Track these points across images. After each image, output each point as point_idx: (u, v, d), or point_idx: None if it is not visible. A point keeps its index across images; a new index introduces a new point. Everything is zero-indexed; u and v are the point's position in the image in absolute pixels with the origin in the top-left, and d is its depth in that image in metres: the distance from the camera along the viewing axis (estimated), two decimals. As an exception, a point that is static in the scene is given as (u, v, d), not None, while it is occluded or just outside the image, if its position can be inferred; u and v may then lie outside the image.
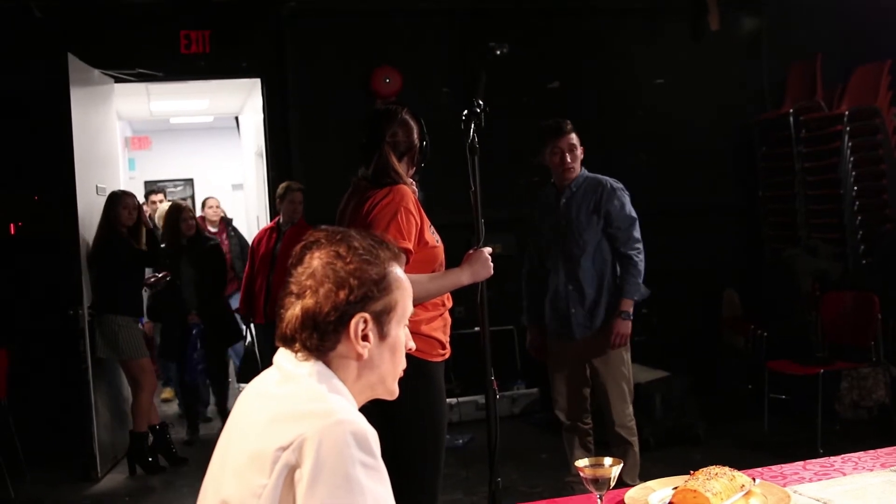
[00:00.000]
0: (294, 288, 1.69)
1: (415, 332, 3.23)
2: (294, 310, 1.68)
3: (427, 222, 3.42)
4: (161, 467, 6.26)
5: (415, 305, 3.22)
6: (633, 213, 4.72)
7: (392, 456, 3.24)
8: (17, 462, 6.07)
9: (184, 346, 6.89)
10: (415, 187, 3.54)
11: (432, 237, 3.43)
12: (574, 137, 4.68)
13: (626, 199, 4.71)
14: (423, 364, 3.29)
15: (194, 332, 6.90)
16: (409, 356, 3.32)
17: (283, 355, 1.73)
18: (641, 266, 4.70)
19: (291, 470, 1.52)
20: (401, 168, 3.45)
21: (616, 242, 4.69)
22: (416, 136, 3.48)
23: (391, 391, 1.79)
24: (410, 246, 3.26)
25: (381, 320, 1.71)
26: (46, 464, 6.31)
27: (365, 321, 1.68)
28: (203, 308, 6.91)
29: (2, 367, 5.95)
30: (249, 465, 1.56)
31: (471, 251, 3.38)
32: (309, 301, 1.67)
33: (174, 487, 5.96)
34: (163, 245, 6.90)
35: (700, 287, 7.65)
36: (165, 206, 7.67)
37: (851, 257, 7.07)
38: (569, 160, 4.66)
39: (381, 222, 3.26)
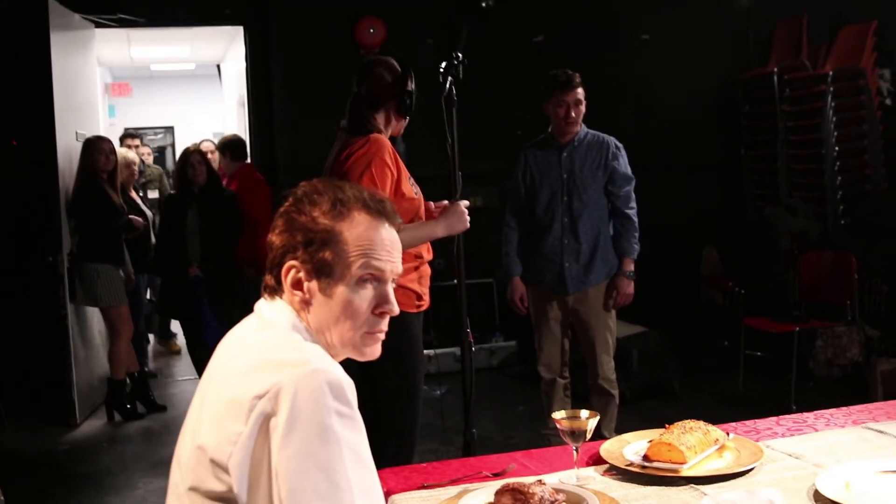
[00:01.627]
0: (271, 228, 1.76)
1: None
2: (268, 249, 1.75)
3: (406, 174, 3.43)
4: (139, 414, 6.28)
5: None
6: (631, 173, 4.77)
7: (370, 406, 3.28)
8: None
9: (190, 303, 6.27)
10: (399, 140, 3.54)
11: (411, 189, 3.43)
12: (581, 92, 4.67)
13: (626, 159, 4.77)
14: (398, 315, 3.31)
15: (196, 287, 6.24)
16: None
17: (262, 301, 1.76)
18: (637, 224, 4.76)
19: (267, 418, 1.53)
20: (379, 118, 3.46)
21: (617, 201, 4.74)
22: (396, 86, 3.47)
23: (357, 350, 1.76)
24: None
25: (319, 271, 1.69)
26: (25, 410, 6.30)
27: (294, 268, 1.70)
28: (206, 262, 6.21)
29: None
30: (226, 412, 1.57)
31: (447, 203, 3.39)
32: (269, 241, 1.74)
33: (152, 433, 5.99)
34: (173, 192, 6.61)
35: (680, 243, 7.68)
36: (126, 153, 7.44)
37: (831, 217, 7.11)
38: (573, 115, 4.66)
39: (355, 172, 3.27)
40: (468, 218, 3.38)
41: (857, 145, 7.15)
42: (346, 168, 3.30)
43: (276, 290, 1.73)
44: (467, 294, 3.37)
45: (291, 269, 1.70)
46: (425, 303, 3.48)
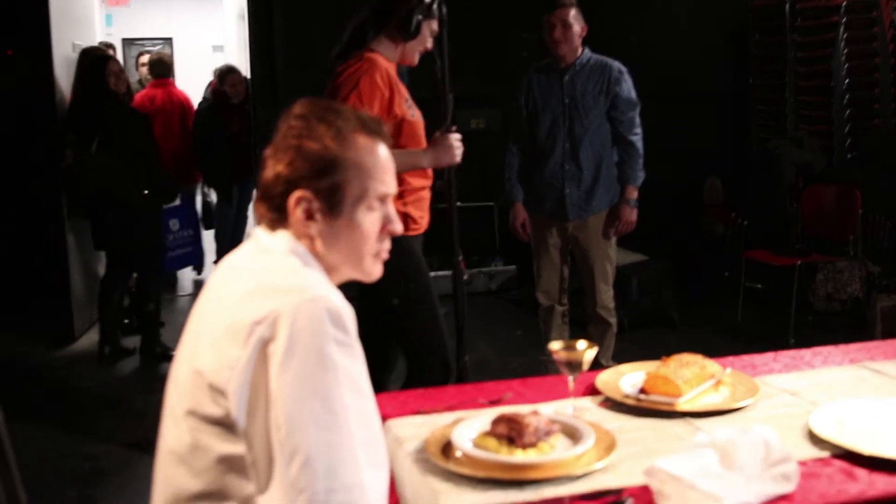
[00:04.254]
0: (266, 157, 1.70)
1: None
2: (261, 179, 1.71)
3: (401, 95, 3.34)
4: (136, 329, 6.27)
5: None
6: (636, 98, 4.68)
7: (393, 329, 3.32)
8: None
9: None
10: (414, 58, 3.41)
11: (406, 111, 3.34)
12: (569, 13, 4.55)
13: (631, 84, 4.67)
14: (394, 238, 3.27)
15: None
16: None
17: (259, 229, 1.74)
18: (642, 151, 4.68)
19: (265, 344, 1.52)
20: (379, 41, 3.36)
21: (620, 126, 4.65)
22: (398, 5, 3.34)
23: (365, 272, 1.76)
24: None
25: (330, 200, 1.67)
26: (23, 324, 6.32)
27: (305, 199, 1.65)
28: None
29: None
30: (224, 337, 1.56)
31: (437, 133, 3.31)
32: (267, 171, 1.69)
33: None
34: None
35: (684, 172, 7.60)
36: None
37: (837, 151, 7.02)
38: (556, 35, 4.56)
39: (343, 91, 3.22)
40: (458, 152, 3.28)
41: (867, 78, 7.03)
42: (337, 84, 3.25)
43: (276, 221, 1.69)
44: (468, 218, 3.33)
45: (302, 200, 1.66)
46: (421, 226, 3.42)
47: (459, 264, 3.24)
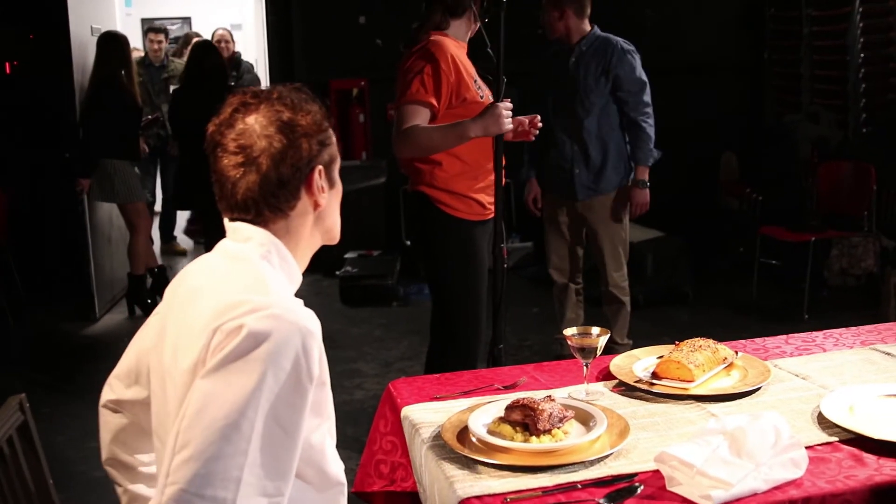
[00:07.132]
0: (241, 156, 1.62)
1: (450, 190, 3.32)
2: (249, 177, 1.62)
3: (469, 76, 3.36)
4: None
5: (424, 156, 3.27)
6: (644, 77, 4.61)
7: (436, 307, 3.48)
8: (18, 302, 6.18)
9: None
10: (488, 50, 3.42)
11: (476, 92, 3.36)
12: None
13: (637, 62, 4.59)
14: (456, 222, 3.36)
15: None
16: (444, 213, 3.32)
17: (230, 230, 1.70)
18: (651, 131, 4.62)
19: (215, 349, 1.52)
20: (456, 23, 3.41)
21: (625, 107, 4.60)
22: None
23: (338, 235, 1.79)
24: (433, 101, 3.26)
25: (329, 169, 1.71)
26: (46, 306, 6.40)
27: (321, 172, 1.68)
28: None
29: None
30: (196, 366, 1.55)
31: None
32: (265, 163, 1.62)
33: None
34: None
35: (699, 147, 7.61)
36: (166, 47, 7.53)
37: (852, 125, 7.00)
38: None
39: (408, 76, 3.27)
40: (507, 121, 3.19)
41: (883, 52, 7.00)
42: (403, 70, 3.30)
43: (281, 209, 1.66)
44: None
45: (318, 174, 1.68)
46: (489, 211, 3.41)
47: (502, 252, 3.26)
